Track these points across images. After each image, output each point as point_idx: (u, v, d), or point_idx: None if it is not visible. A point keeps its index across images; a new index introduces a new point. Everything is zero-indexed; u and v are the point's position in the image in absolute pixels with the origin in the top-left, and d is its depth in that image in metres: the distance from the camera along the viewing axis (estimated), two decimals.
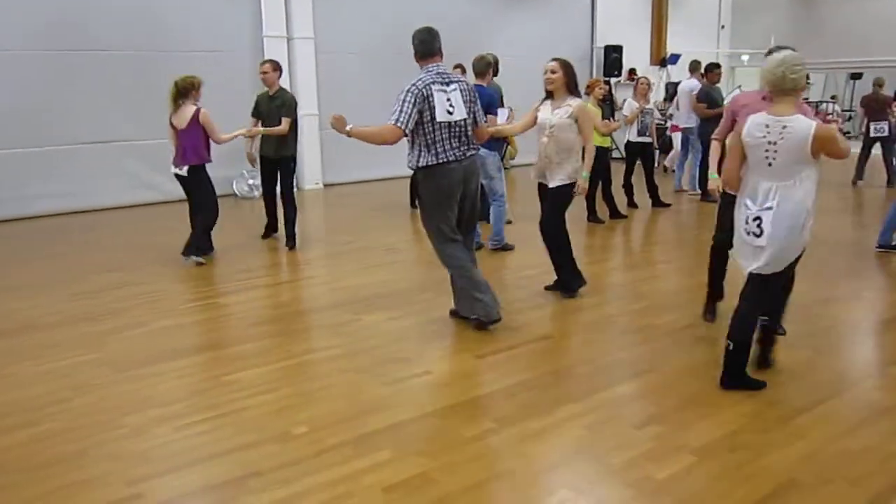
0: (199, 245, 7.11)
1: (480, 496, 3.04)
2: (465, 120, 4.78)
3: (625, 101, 10.05)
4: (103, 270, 6.89)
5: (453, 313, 5.27)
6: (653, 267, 7.01)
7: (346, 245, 7.93)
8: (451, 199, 4.80)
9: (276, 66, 7.60)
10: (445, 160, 4.70)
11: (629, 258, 7.63)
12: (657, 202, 10.05)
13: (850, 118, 20.45)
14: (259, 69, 7.77)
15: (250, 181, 11.62)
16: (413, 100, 4.56)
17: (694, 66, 11.58)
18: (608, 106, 9.09)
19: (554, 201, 5.68)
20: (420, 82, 4.62)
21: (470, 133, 4.84)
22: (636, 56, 16.91)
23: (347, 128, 4.59)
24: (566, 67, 5.44)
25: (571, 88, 5.48)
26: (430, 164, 4.69)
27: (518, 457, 3.31)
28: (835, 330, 5.03)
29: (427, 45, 4.75)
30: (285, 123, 7.44)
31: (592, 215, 9.01)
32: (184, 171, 6.91)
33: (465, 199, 4.88)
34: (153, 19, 10.76)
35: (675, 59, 17.27)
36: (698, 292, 5.68)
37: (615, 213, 9.26)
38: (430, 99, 4.60)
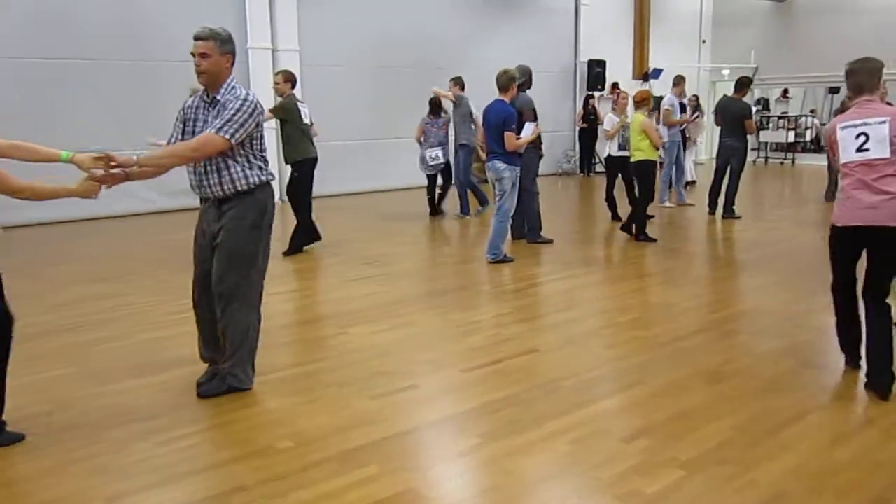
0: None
1: None
2: None
3: (606, 115, 10.13)
4: (86, 281, 6.81)
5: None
6: (639, 279, 7.02)
7: (330, 258, 7.89)
8: (270, 233, 4.19)
9: (286, 78, 7.95)
10: (270, 177, 4.15)
11: (614, 271, 7.64)
12: None
13: None
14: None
15: None
16: (253, 111, 4.00)
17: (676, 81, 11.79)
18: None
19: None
20: (253, 95, 4.09)
21: None
22: (619, 70, 17.05)
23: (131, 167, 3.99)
24: None
25: None
26: (268, 180, 4.10)
27: (505, 472, 3.28)
28: (819, 341, 5.05)
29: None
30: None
31: (643, 234, 8.76)
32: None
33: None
34: (139, 29, 10.74)
35: (657, 73, 17.44)
36: (684, 304, 5.70)
37: (627, 228, 9.05)
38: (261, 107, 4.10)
